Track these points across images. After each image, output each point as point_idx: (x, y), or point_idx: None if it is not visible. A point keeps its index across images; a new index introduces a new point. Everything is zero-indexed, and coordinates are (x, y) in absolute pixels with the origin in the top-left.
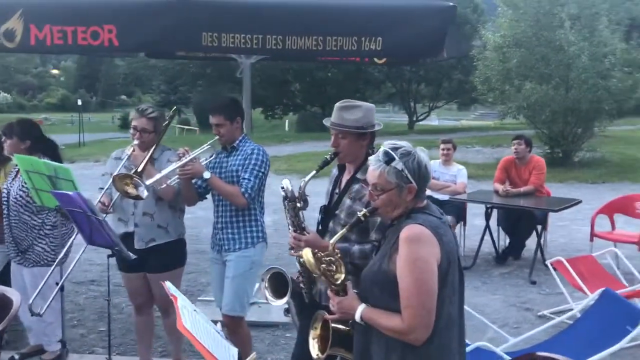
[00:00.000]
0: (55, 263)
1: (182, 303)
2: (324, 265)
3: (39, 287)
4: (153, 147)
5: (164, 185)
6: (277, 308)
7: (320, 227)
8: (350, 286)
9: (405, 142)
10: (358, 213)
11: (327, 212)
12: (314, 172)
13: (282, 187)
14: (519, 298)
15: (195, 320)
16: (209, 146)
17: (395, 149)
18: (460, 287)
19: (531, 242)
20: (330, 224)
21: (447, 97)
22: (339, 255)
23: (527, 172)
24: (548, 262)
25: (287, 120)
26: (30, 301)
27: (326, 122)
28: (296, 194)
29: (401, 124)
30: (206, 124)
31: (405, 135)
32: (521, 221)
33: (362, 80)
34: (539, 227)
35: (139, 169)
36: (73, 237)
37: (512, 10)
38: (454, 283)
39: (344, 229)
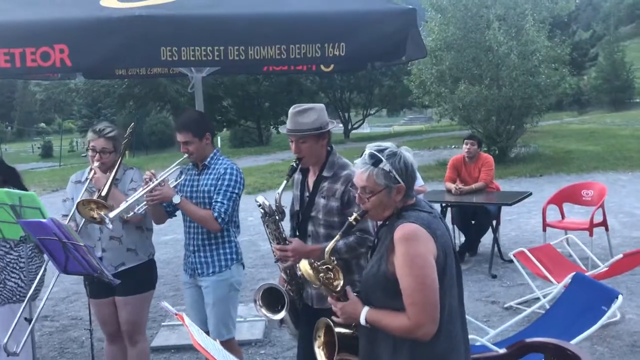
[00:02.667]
0: (26, 298)
1: (188, 320)
2: (322, 275)
3: (13, 325)
4: (115, 168)
5: (131, 214)
6: (248, 326)
7: (297, 233)
8: (350, 290)
9: (390, 143)
10: (349, 218)
11: (303, 216)
12: (284, 181)
13: (259, 204)
14: (483, 292)
15: (203, 337)
16: (177, 167)
17: (381, 150)
18: (458, 278)
19: (484, 238)
20: (310, 227)
21: (378, 104)
22: (334, 261)
23: (477, 170)
24: (511, 254)
25: (218, 137)
26: (5, 340)
27: (282, 129)
28: (273, 208)
29: (337, 133)
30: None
31: (343, 144)
32: (476, 217)
33: (296, 92)
34: (494, 222)
35: (103, 192)
36: (43, 268)
37: (441, 15)
38: (452, 274)
39: (337, 236)
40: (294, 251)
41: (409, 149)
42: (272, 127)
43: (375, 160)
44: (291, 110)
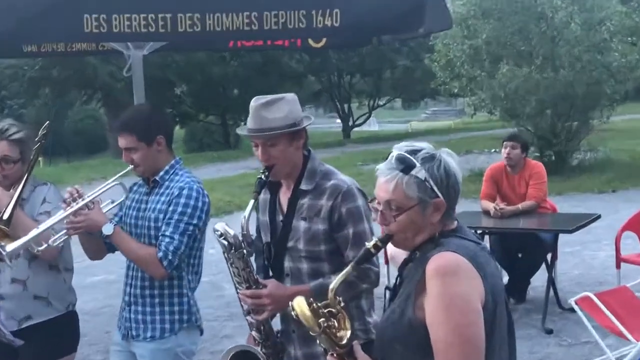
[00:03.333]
0: None
1: None
2: (322, 320)
3: None
4: (22, 183)
5: (44, 247)
6: None
7: (271, 273)
8: (359, 348)
9: (425, 143)
10: (367, 244)
11: (277, 249)
12: (252, 202)
13: (220, 234)
14: (534, 354)
15: None
16: (116, 183)
17: (414, 152)
18: (510, 335)
19: (535, 278)
20: (287, 263)
21: (389, 92)
22: (341, 304)
23: (524, 183)
24: (572, 301)
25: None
26: None
27: (242, 130)
28: (240, 238)
29: (333, 132)
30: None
31: (342, 146)
32: (524, 249)
33: (275, 75)
34: (549, 256)
35: (4, 216)
36: None
37: None
38: (502, 329)
39: (349, 267)
40: (271, 297)
41: (451, 152)
42: (243, 123)
43: (406, 165)
44: (253, 104)
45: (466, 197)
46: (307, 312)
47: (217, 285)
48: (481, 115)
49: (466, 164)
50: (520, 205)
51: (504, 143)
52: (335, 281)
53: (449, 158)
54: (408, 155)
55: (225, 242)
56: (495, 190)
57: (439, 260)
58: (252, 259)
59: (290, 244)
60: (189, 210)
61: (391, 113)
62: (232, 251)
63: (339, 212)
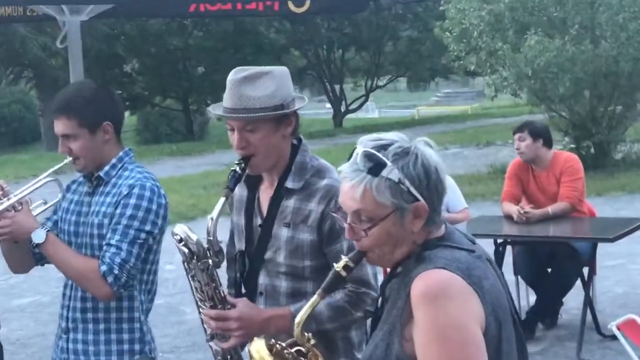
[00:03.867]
0: None
1: None
2: None
3: None
4: None
5: None
6: None
7: (243, 289)
8: None
9: (396, 134)
10: (334, 266)
11: (252, 260)
12: (222, 199)
13: (179, 239)
14: None
15: None
16: (50, 179)
17: (382, 147)
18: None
19: (568, 298)
20: (262, 279)
21: (391, 70)
22: (311, 340)
23: (554, 181)
24: (613, 326)
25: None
26: None
27: (216, 109)
28: (204, 245)
29: (321, 120)
30: None
31: (332, 137)
32: (555, 263)
33: (250, 48)
34: (585, 271)
35: None
36: None
37: None
38: (511, 353)
39: (315, 296)
40: (240, 320)
41: (429, 141)
42: (209, 108)
43: (374, 165)
44: (232, 77)
45: (485, 199)
46: (268, 359)
47: (175, 309)
48: (504, 98)
49: (485, 159)
50: (550, 208)
51: (514, 132)
52: (301, 314)
53: (427, 149)
54: (376, 153)
55: (186, 250)
56: (519, 189)
57: (426, 282)
58: (222, 271)
59: (268, 255)
60: (141, 214)
61: (394, 96)
62: (194, 261)
63: (332, 219)
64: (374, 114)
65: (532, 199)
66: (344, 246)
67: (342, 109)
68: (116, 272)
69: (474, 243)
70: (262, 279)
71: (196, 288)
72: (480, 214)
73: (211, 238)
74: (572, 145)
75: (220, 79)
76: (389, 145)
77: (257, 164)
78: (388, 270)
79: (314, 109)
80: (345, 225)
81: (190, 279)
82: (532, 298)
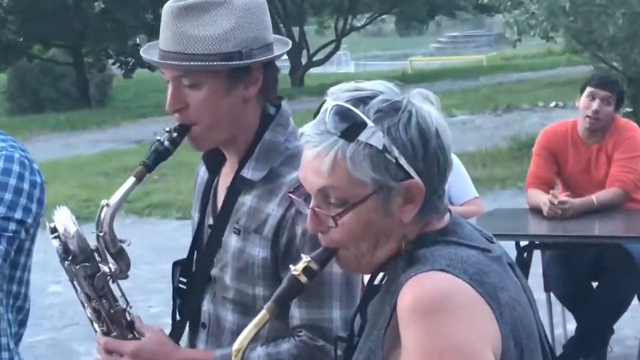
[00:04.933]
0: None
1: None
2: None
3: None
4: None
5: None
6: None
7: (178, 315)
8: None
9: (381, 82)
10: (291, 268)
11: (194, 277)
12: (131, 180)
13: (54, 230)
14: None
15: None
16: None
17: (362, 100)
18: None
19: (622, 323)
20: (206, 305)
21: (373, 6)
22: None
23: (603, 158)
24: None
25: None
26: None
27: (147, 53)
28: (84, 243)
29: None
30: None
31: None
32: (603, 274)
33: None
34: None
35: None
36: None
37: None
38: None
39: (260, 315)
40: (134, 355)
41: (428, 94)
42: (113, 62)
43: (349, 125)
44: (170, 5)
45: (504, 185)
46: None
47: (64, 347)
48: (532, 43)
49: (506, 129)
50: (594, 197)
51: (590, 90)
52: (241, 338)
53: (425, 104)
54: (352, 108)
55: (58, 244)
56: (553, 170)
57: (418, 289)
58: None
59: (215, 270)
60: (8, 197)
61: (376, 43)
62: (71, 263)
63: (292, 231)
64: (349, 68)
65: (571, 183)
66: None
67: (303, 60)
68: None
69: (491, 241)
70: (207, 305)
71: (82, 303)
72: (497, 206)
73: (102, 233)
74: (629, 109)
75: (128, 18)
76: (370, 97)
77: (200, 137)
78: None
79: None
80: (307, 211)
81: (76, 285)
82: (571, 325)
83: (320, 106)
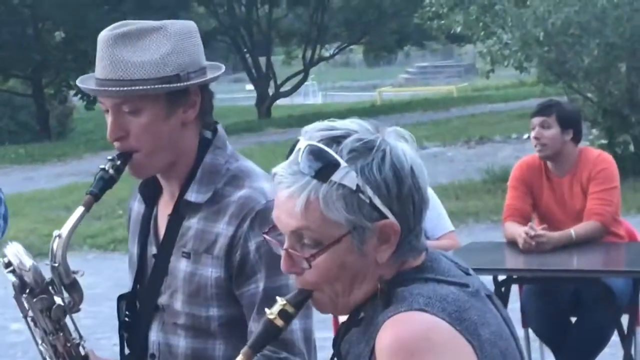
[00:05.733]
0: None
1: None
2: None
3: None
4: None
5: None
6: None
7: (127, 349)
8: None
9: (356, 120)
10: (266, 312)
11: (142, 308)
12: (80, 209)
13: (6, 261)
14: None
15: None
16: None
17: (335, 139)
18: None
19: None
20: (155, 335)
21: (341, 35)
22: None
23: (579, 189)
24: None
25: None
26: None
27: (86, 82)
28: (43, 275)
29: (240, 108)
30: None
31: (255, 132)
32: (581, 309)
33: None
34: (624, 320)
35: None
36: None
37: None
38: None
39: (239, 358)
40: None
41: (403, 132)
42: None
43: (323, 165)
44: (105, 33)
45: (479, 219)
46: None
47: None
48: (503, 73)
49: (479, 162)
50: (573, 230)
51: (531, 122)
52: None
53: (399, 143)
54: (325, 148)
55: (14, 278)
56: (529, 202)
57: (397, 330)
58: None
59: (162, 299)
60: None
61: (345, 73)
62: (29, 296)
63: (245, 248)
64: (316, 99)
65: (547, 215)
66: (259, 287)
67: (270, 91)
68: None
69: (467, 274)
70: (155, 335)
71: (41, 339)
72: (472, 239)
73: (57, 264)
74: (603, 141)
75: (89, 48)
76: (344, 137)
77: (141, 164)
78: (340, 319)
79: (228, 92)
80: (282, 252)
81: (27, 321)
82: None
83: (294, 146)
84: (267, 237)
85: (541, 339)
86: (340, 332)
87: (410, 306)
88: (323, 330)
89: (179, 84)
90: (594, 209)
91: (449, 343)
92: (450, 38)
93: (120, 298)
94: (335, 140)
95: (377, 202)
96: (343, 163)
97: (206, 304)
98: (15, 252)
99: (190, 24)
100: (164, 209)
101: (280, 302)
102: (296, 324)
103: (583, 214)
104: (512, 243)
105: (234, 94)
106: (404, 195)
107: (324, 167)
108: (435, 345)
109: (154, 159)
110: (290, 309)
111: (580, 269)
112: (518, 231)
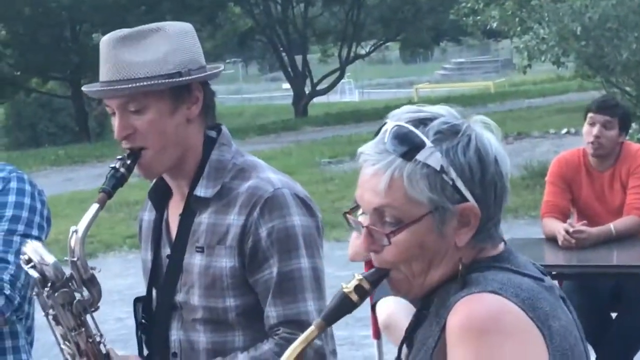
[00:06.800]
0: None
1: None
2: None
3: None
4: None
5: None
6: None
7: (145, 347)
8: None
9: (444, 106)
10: (344, 285)
11: (159, 306)
12: (94, 207)
13: (27, 258)
14: None
15: None
16: None
17: (422, 121)
18: None
19: None
20: (175, 333)
21: (377, 33)
22: None
23: (618, 185)
24: None
25: None
26: None
27: (90, 88)
28: (63, 272)
29: (277, 107)
30: None
31: (292, 130)
32: (622, 305)
33: (169, 2)
34: None
35: None
36: None
37: None
38: None
39: (309, 330)
40: None
41: (489, 122)
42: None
43: (409, 146)
44: (107, 38)
45: (517, 215)
46: None
47: None
48: (540, 68)
49: (517, 157)
50: (612, 225)
51: (590, 116)
52: (287, 354)
53: (485, 131)
54: (412, 129)
55: (37, 274)
56: (567, 198)
57: (470, 309)
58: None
59: (180, 296)
60: (25, 214)
61: (381, 70)
62: (49, 290)
63: (256, 235)
64: (353, 97)
65: (586, 211)
66: (273, 272)
67: (307, 89)
68: (7, 292)
69: (542, 272)
70: (175, 333)
71: (63, 337)
72: (510, 235)
73: (76, 259)
74: None
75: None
76: (430, 119)
77: (150, 162)
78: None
79: (266, 92)
80: (362, 230)
81: (49, 320)
82: (591, 358)
83: (380, 128)
84: (348, 216)
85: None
86: (415, 316)
87: (484, 288)
88: (362, 328)
89: (181, 79)
90: (634, 204)
91: (519, 326)
92: (486, 33)
93: (136, 301)
94: (422, 122)
95: (460, 184)
96: (429, 143)
97: (222, 295)
98: (35, 248)
99: (188, 26)
100: (175, 210)
101: (357, 277)
102: (311, 305)
103: (622, 208)
104: (551, 239)
105: (271, 93)
106: (487, 181)
107: (409, 147)
108: (505, 327)
109: (162, 155)
110: (366, 285)
111: (621, 265)
112: (557, 228)
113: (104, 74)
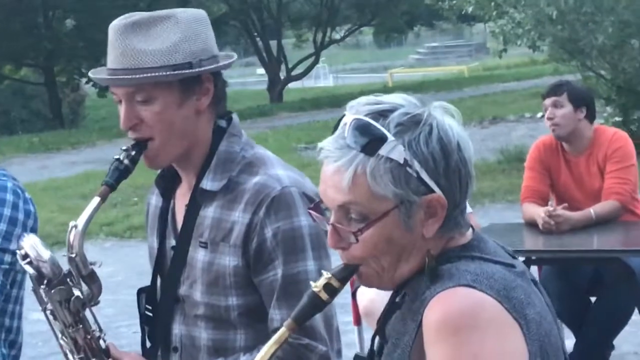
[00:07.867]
0: None
1: None
2: None
3: None
4: None
5: None
6: None
7: (149, 342)
8: None
9: (401, 95)
10: (311, 285)
11: (162, 301)
12: (95, 200)
13: (23, 253)
14: None
15: None
16: None
17: (381, 113)
18: None
19: (621, 340)
20: (178, 328)
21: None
22: None
23: (596, 169)
24: None
25: None
26: None
27: (98, 73)
28: (61, 267)
29: (251, 92)
30: None
31: (267, 116)
32: (601, 289)
33: None
34: None
35: None
36: None
37: None
38: None
39: (281, 330)
40: None
41: (449, 107)
42: (86, 81)
43: (369, 139)
44: (116, 23)
45: (495, 199)
46: None
47: None
48: (516, 52)
49: (493, 142)
50: (592, 210)
51: (543, 104)
52: (259, 356)
53: (446, 117)
54: (372, 122)
55: (32, 270)
56: (547, 183)
57: (445, 306)
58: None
59: (182, 290)
60: (2, 226)
61: (355, 55)
62: (45, 287)
63: (262, 235)
64: (327, 82)
65: (565, 196)
66: (278, 273)
67: (282, 75)
68: None
69: (513, 256)
70: (177, 328)
71: (61, 332)
72: (488, 220)
73: (74, 255)
74: (618, 118)
75: (100, 36)
76: (390, 111)
77: (155, 153)
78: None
79: (240, 77)
80: (328, 227)
81: (46, 314)
82: (570, 341)
83: (339, 120)
84: (312, 212)
85: (561, 319)
86: (386, 310)
87: (458, 282)
88: (342, 315)
89: (191, 70)
90: (612, 188)
91: (495, 319)
92: (461, 18)
93: (140, 291)
94: (382, 114)
95: (424, 175)
96: (390, 137)
97: (225, 294)
98: (32, 244)
99: (201, 12)
100: (182, 200)
101: (326, 275)
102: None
103: (601, 193)
104: (530, 224)
105: (246, 78)
106: (451, 170)
107: (371, 141)
108: (482, 322)
109: (168, 147)
110: (335, 283)
111: (600, 249)
112: (538, 212)
113: (112, 60)
